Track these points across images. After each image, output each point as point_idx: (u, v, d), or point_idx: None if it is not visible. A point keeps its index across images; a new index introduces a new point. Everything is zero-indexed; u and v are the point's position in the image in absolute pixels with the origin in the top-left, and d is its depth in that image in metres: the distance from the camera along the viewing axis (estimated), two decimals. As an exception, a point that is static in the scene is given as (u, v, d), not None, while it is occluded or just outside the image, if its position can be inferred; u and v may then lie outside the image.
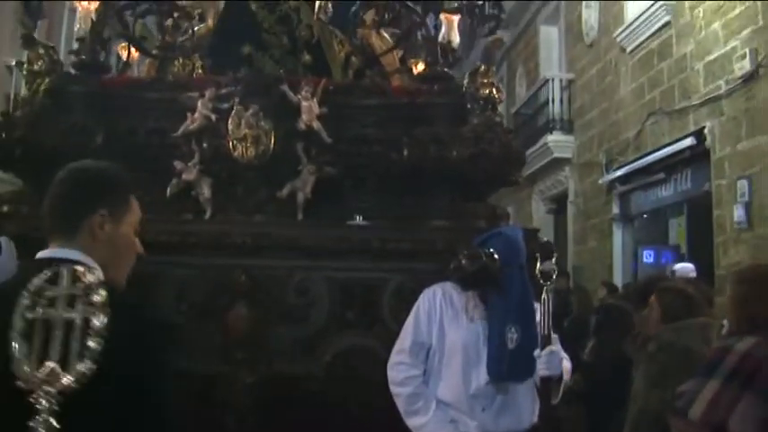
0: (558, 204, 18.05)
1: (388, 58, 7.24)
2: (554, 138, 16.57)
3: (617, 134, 14.20)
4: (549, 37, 18.49)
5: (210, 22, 7.73)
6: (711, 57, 10.91)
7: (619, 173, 13.79)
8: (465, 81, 6.29)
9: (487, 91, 6.13)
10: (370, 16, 6.65)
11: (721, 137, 10.65)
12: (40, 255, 2.50)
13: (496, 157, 5.78)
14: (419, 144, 5.76)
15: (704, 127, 10.98)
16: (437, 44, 6.45)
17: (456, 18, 6.62)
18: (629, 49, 13.61)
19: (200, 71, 7.04)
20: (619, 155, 13.99)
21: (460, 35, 6.62)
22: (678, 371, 4.81)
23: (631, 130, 13.50)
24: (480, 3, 6.66)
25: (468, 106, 6.08)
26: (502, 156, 5.82)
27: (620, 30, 13.77)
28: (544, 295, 4.33)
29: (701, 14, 11.21)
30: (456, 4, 6.62)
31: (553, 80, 16.79)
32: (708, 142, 10.92)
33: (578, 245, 16.38)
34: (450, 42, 6.71)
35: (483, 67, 6.33)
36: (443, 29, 6.78)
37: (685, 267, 9.53)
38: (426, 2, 6.43)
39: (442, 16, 6.68)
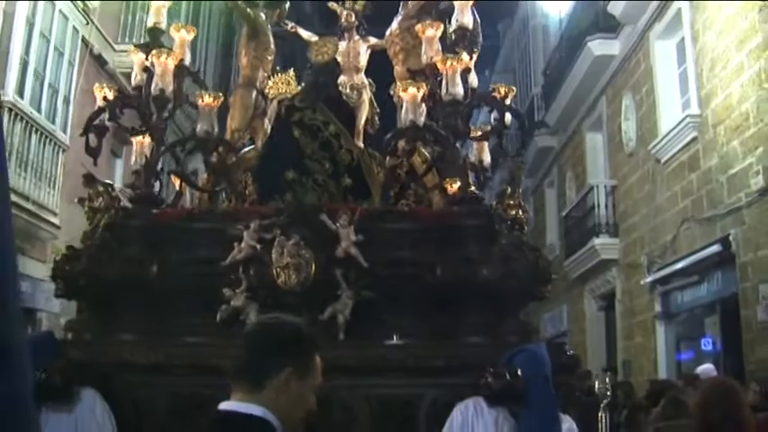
0: (608, 302, 18.39)
1: (428, 175, 7.54)
2: (600, 241, 17.09)
3: (656, 238, 14.66)
4: (595, 143, 19.12)
5: (260, 144, 8.23)
6: (733, 171, 11.47)
7: (659, 274, 14.20)
8: (493, 203, 6.60)
9: (514, 212, 6.41)
10: (401, 144, 6.96)
11: (744, 244, 11.14)
12: (224, 406, 2.63)
13: (524, 275, 6.04)
14: (451, 265, 6.04)
15: (729, 234, 11.49)
16: (467, 168, 6.80)
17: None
18: (663, 160, 14.17)
19: (250, 189, 7.55)
20: (658, 257, 14.42)
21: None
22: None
23: (668, 235, 13.96)
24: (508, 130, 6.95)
25: (497, 227, 6.32)
26: (529, 274, 6.08)
27: (654, 142, 14.35)
28: (601, 413, 4.79)
29: (723, 132, 11.79)
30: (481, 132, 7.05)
31: (598, 187, 17.43)
32: (733, 249, 11.40)
33: (626, 340, 16.71)
34: (481, 162, 7.16)
35: (509, 189, 6.61)
36: (474, 150, 7.26)
37: (706, 369, 10.01)
38: (456, 130, 6.67)
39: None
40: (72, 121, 12.83)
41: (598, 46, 16.85)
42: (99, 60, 14.35)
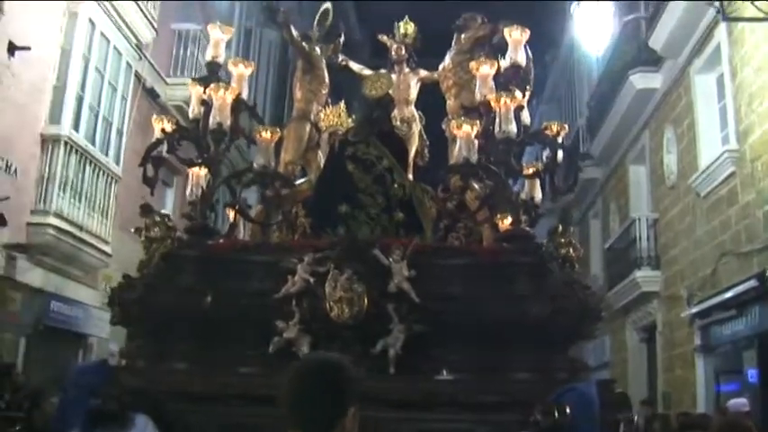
0: (649, 334, 18.26)
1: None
2: (642, 273, 17.01)
3: (696, 271, 14.56)
4: (638, 176, 19.12)
5: (313, 176, 8.35)
6: None
7: (698, 307, 14.04)
8: (544, 240, 6.62)
9: (565, 250, 6.48)
10: (456, 181, 7.06)
11: None
12: None
13: (574, 313, 6.08)
14: (501, 301, 6.10)
15: (765, 270, 11.31)
16: (518, 205, 6.83)
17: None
18: (702, 194, 14.08)
19: (302, 221, 7.62)
20: (698, 290, 14.30)
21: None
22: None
23: (708, 268, 13.86)
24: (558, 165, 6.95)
25: (548, 265, 6.39)
26: (579, 312, 6.13)
27: (694, 176, 14.28)
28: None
29: (760, 167, 11.74)
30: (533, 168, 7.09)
31: (640, 219, 17.39)
32: None
33: (666, 372, 16.59)
34: (532, 199, 7.18)
35: (561, 227, 6.66)
36: (526, 187, 7.26)
37: (737, 403, 9.84)
38: (508, 167, 6.76)
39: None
40: (124, 153, 13.20)
41: (640, 79, 16.83)
42: (151, 94, 14.73)
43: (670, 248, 16.19)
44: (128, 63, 13.65)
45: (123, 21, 13.39)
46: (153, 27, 14.12)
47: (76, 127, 12.04)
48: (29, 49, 10.94)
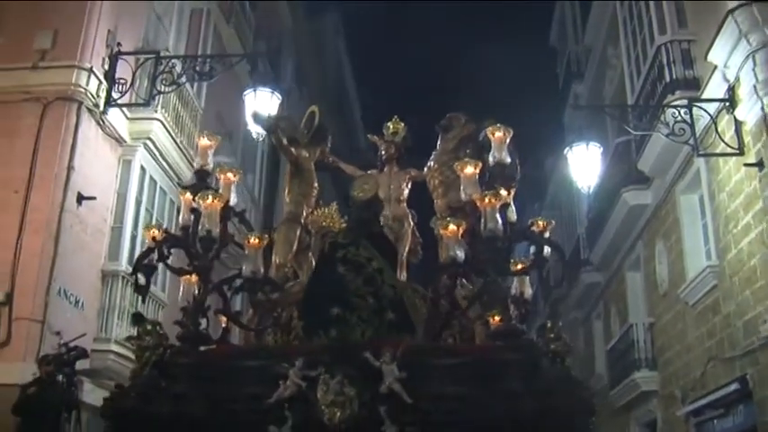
0: (651, 429, 18.74)
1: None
2: (640, 374, 17.91)
3: (688, 373, 15.37)
4: (635, 282, 20.01)
5: (305, 278, 8.21)
6: (747, 317, 12.25)
7: (692, 407, 14.86)
8: (534, 337, 6.65)
9: (555, 345, 6.43)
10: (444, 280, 7.05)
11: (759, 382, 11.84)
12: None
13: (567, 409, 6.04)
14: (494, 399, 6.08)
15: (746, 374, 12.25)
16: (508, 302, 6.83)
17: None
18: (690, 303, 15.01)
19: (296, 324, 7.64)
20: (691, 390, 15.10)
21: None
22: None
23: (698, 371, 14.69)
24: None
25: (539, 361, 6.39)
26: (573, 407, 6.09)
27: (682, 287, 15.24)
28: None
29: (738, 282, 12.60)
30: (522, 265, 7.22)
31: (637, 324, 18.44)
32: (750, 386, 12.12)
33: (668, 465, 17.13)
34: (522, 295, 7.31)
35: (550, 322, 6.63)
36: (515, 284, 7.37)
37: None
38: (496, 264, 6.75)
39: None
40: (168, 281, 14.30)
41: (632, 196, 17.94)
42: (190, 224, 16.01)
43: (665, 351, 17.23)
44: (171, 200, 15.36)
45: (168, 163, 15.18)
46: (192, 167, 15.64)
47: (131, 262, 13.03)
48: (94, 198, 12.69)
